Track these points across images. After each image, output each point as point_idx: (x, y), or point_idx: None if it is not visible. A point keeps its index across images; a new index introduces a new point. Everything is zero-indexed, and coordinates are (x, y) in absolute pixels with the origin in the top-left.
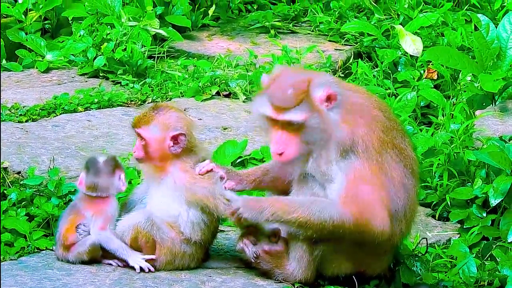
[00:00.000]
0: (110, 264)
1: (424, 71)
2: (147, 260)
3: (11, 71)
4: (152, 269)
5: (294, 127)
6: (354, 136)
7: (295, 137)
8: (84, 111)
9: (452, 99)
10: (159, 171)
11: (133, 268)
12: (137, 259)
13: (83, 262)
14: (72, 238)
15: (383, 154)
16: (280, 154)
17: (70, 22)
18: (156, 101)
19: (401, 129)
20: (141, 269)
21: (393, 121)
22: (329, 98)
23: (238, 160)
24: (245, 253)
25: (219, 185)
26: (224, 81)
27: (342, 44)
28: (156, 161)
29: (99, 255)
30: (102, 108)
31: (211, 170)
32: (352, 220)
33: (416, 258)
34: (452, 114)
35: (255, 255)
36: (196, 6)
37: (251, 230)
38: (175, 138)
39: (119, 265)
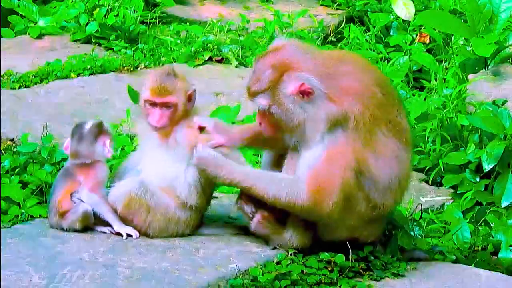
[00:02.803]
0: (104, 232)
1: (416, 35)
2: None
3: (3, 37)
4: (137, 234)
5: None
6: (348, 114)
7: (269, 117)
8: (76, 77)
9: (444, 63)
10: (165, 134)
11: (115, 233)
12: (123, 226)
13: (75, 231)
14: (67, 205)
15: (375, 130)
16: (261, 126)
17: None
18: (149, 67)
19: (398, 102)
20: (128, 235)
21: (390, 96)
22: (303, 93)
23: None
24: (243, 210)
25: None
26: (216, 46)
27: (334, 9)
28: (171, 125)
29: (92, 223)
30: (94, 74)
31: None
32: (306, 199)
33: (415, 223)
34: (445, 79)
35: (253, 211)
36: None
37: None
38: (190, 96)
39: (112, 233)
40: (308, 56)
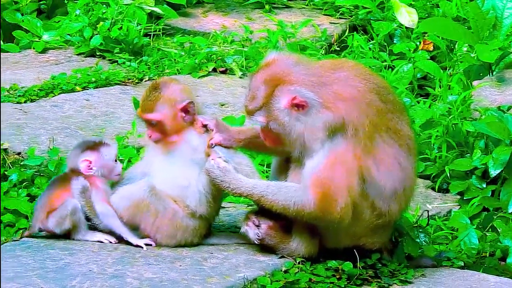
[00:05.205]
0: (100, 242)
1: (420, 43)
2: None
3: (8, 52)
4: (153, 243)
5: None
6: (345, 120)
7: (271, 133)
8: (82, 90)
9: (448, 70)
10: (173, 143)
11: (134, 245)
12: (138, 239)
13: (65, 236)
14: (58, 202)
15: (375, 137)
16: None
17: (66, 1)
18: (153, 79)
19: (399, 109)
20: (147, 245)
21: (389, 103)
22: (297, 106)
23: None
24: (248, 236)
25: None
26: (220, 57)
27: (337, 18)
28: (173, 135)
29: (81, 221)
30: (99, 87)
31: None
32: (313, 205)
33: (420, 230)
34: (449, 85)
35: (258, 237)
36: None
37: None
38: (185, 109)
39: (110, 242)
40: (299, 67)
